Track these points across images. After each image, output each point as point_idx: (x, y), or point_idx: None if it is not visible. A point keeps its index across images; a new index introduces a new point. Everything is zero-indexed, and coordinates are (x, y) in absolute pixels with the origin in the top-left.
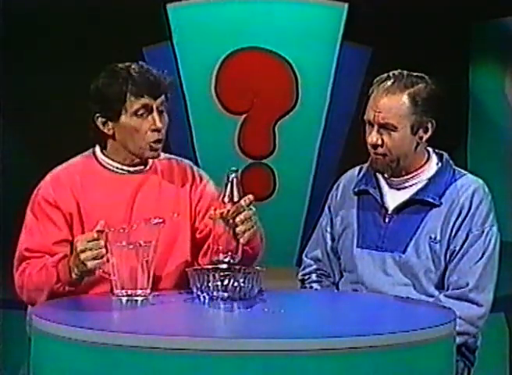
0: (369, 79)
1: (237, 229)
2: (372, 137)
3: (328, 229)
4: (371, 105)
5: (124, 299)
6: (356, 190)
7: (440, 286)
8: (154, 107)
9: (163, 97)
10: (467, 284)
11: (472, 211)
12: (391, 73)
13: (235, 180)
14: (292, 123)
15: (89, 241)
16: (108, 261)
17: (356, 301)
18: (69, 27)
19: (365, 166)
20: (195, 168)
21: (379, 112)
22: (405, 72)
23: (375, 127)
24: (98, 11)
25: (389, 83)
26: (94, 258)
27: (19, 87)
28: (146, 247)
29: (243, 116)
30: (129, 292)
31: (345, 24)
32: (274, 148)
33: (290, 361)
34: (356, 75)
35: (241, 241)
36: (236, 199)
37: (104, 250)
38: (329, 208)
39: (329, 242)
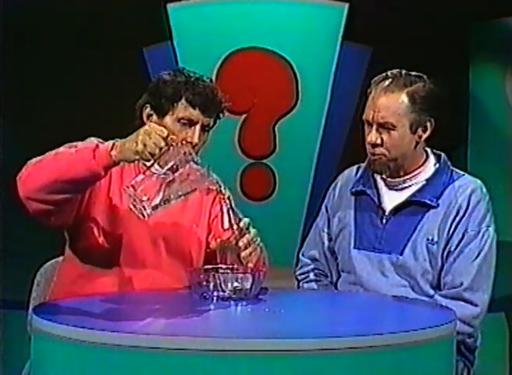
0: (369, 79)
1: (242, 254)
2: (371, 136)
3: (325, 229)
4: (370, 105)
5: (126, 194)
6: (353, 190)
7: (437, 286)
8: (200, 123)
9: (213, 118)
10: (462, 284)
11: (469, 211)
12: (389, 73)
13: (229, 205)
14: (292, 123)
15: (157, 133)
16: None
17: (356, 301)
18: (69, 27)
19: (363, 165)
20: (222, 184)
21: (378, 111)
22: (403, 71)
23: (374, 127)
24: (98, 11)
25: (387, 82)
26: (145, 146)
27: (19, 86)
28: (180, 192)
29: (243, 116)
30: (138, 197)
31: (345, 24)
32: (274, 148)
33: (290, 361)
34: (356, 75)
35: (249, 265)
36: (234, 224)
37: (157, 150)
38: (326, 208)
39: (326, 242)
